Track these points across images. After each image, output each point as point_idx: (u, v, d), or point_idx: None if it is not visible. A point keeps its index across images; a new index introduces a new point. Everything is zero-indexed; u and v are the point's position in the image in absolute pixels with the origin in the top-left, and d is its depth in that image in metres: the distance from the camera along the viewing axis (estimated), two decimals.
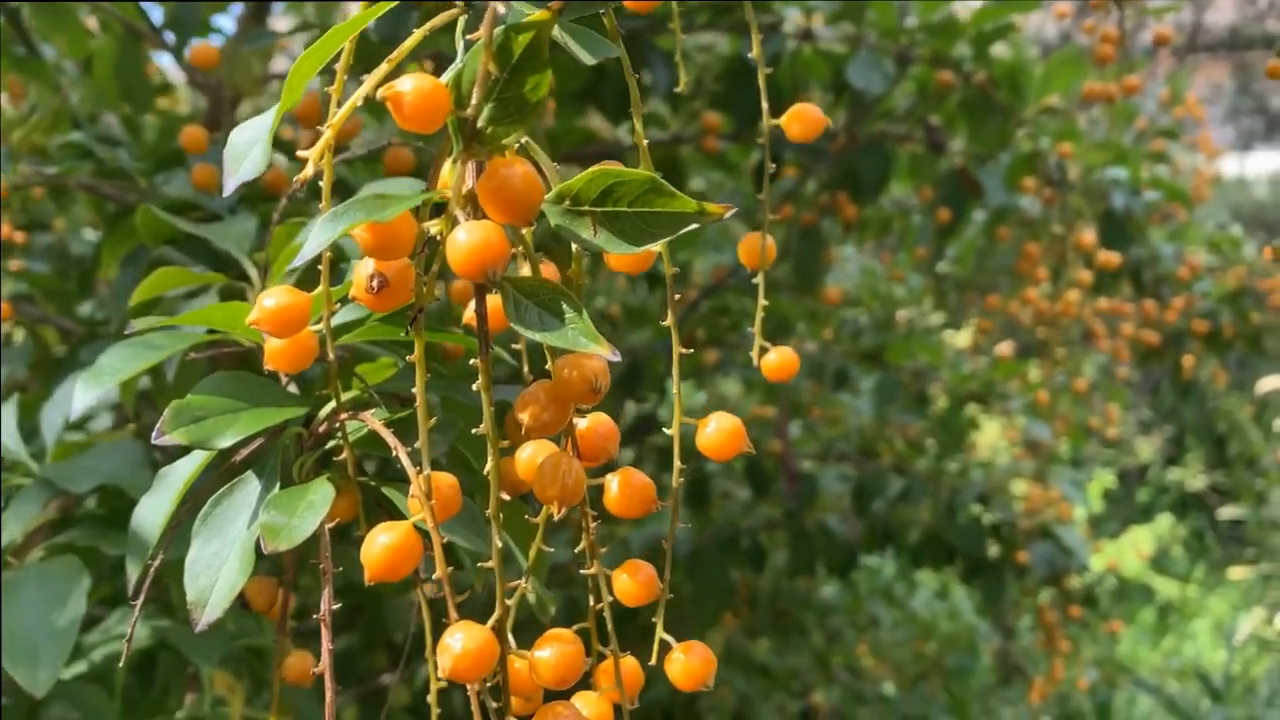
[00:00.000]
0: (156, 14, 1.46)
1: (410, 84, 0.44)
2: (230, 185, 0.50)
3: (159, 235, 0.92)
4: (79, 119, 1.43)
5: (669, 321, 0.57)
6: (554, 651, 0.52)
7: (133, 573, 0.63)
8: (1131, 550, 4.17)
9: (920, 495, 2.09)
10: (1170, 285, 2.26)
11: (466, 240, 0.46)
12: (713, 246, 2.72)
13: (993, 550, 2.16)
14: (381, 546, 0.52)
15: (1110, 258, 1.69)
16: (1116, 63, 1.43)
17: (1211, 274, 2.37)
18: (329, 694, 0.57)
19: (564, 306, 0.48)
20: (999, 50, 1.67)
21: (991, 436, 2.58)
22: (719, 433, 0.58)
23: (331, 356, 0.60)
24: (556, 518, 0.54)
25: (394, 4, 0.49)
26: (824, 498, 2.13)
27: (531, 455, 0.58)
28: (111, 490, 0.93)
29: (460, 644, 0.49)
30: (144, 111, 1.49)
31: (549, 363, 0.54)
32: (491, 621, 0.55)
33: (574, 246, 0.50)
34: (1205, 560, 5.02)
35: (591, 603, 0.59)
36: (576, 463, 0.54)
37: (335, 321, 0.61)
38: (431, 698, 0.55)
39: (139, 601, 0.60)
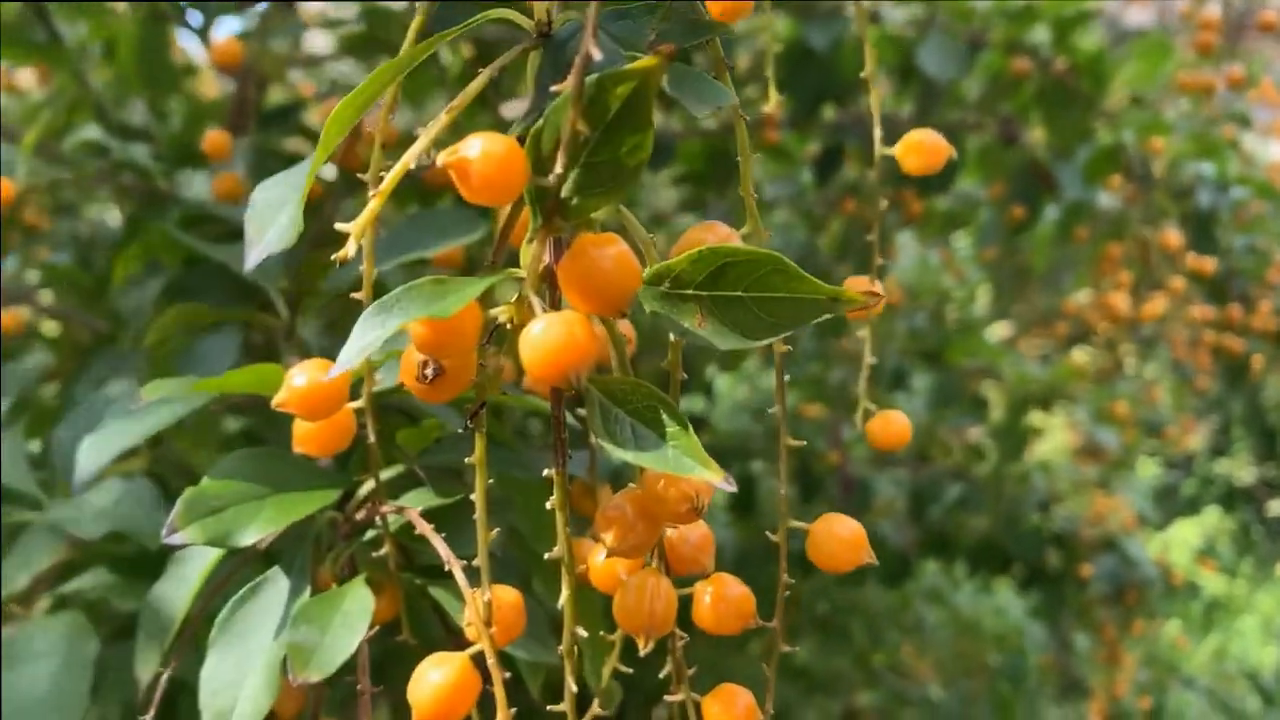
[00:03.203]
0: None
1: (478, 147, 0.35)
2: (253, 259, 0.41)
3: (175, 254, 0.83)
4: (102, 105, 1.35)
5: (777, 409, 0.48)
6: None
7: (143, 676, 0.55)
8: (1180, 545, 4.05)
9: (979, 502, 1.98)
10: (1241, 281, 2.13)
11: (545, 338, 0.36)
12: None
13: (1053, 560, 2.05)
14: (433, 687, 0.43)
15: (1203, 263, 1.56)
16: (1218, 51, 1.31)
17: None
18: None
19: (663, 417, 0.38)
20: (1079, 36, 1.55)
21: (1054, 434, 2.46)
22: (831, 539, 0.49)
23: (372, 438, 0.51)
24: (643, 652, 0.45)
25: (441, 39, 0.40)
26: (877, 503, 2.03)
27: (608, 564, 0.49)
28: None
29: None
30: (167, 96, 1.41)
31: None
32: None
33: (671, 335, 0.41)
34: (1253, 555, 4.87)
35: None
36: (666, 583, 0.45)
37: (375, 389, 0.52)
38: None
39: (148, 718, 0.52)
